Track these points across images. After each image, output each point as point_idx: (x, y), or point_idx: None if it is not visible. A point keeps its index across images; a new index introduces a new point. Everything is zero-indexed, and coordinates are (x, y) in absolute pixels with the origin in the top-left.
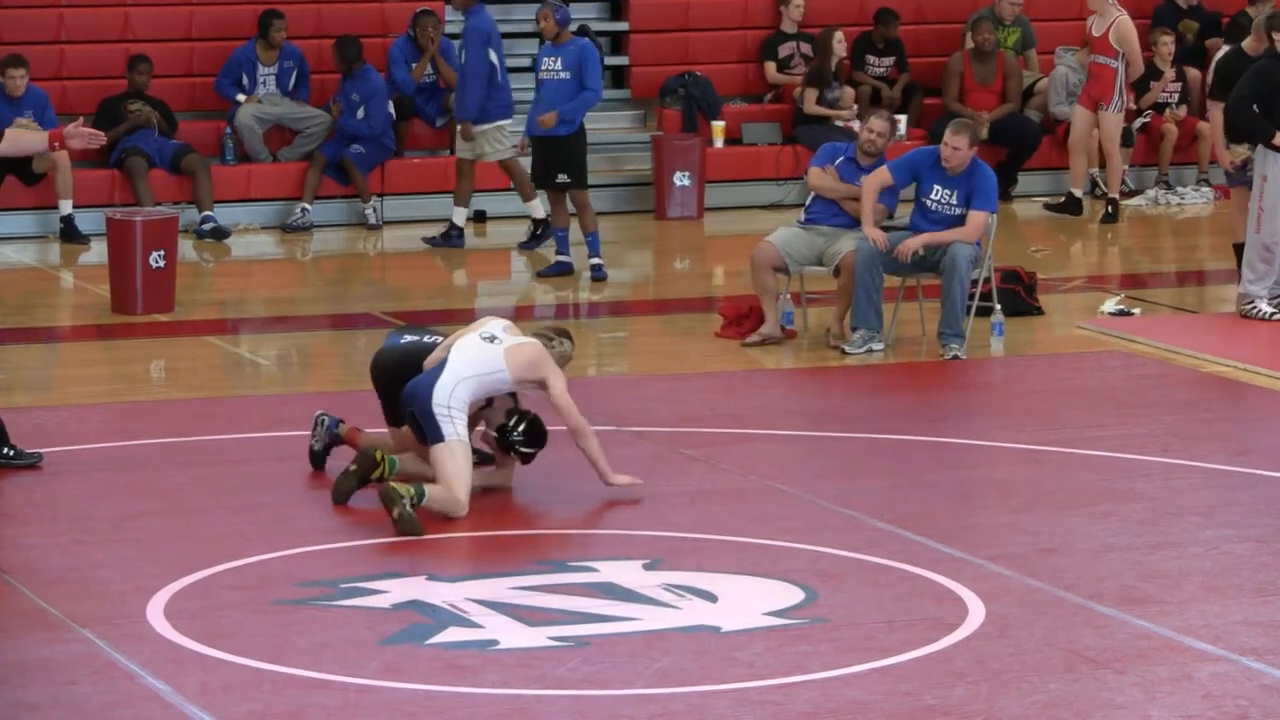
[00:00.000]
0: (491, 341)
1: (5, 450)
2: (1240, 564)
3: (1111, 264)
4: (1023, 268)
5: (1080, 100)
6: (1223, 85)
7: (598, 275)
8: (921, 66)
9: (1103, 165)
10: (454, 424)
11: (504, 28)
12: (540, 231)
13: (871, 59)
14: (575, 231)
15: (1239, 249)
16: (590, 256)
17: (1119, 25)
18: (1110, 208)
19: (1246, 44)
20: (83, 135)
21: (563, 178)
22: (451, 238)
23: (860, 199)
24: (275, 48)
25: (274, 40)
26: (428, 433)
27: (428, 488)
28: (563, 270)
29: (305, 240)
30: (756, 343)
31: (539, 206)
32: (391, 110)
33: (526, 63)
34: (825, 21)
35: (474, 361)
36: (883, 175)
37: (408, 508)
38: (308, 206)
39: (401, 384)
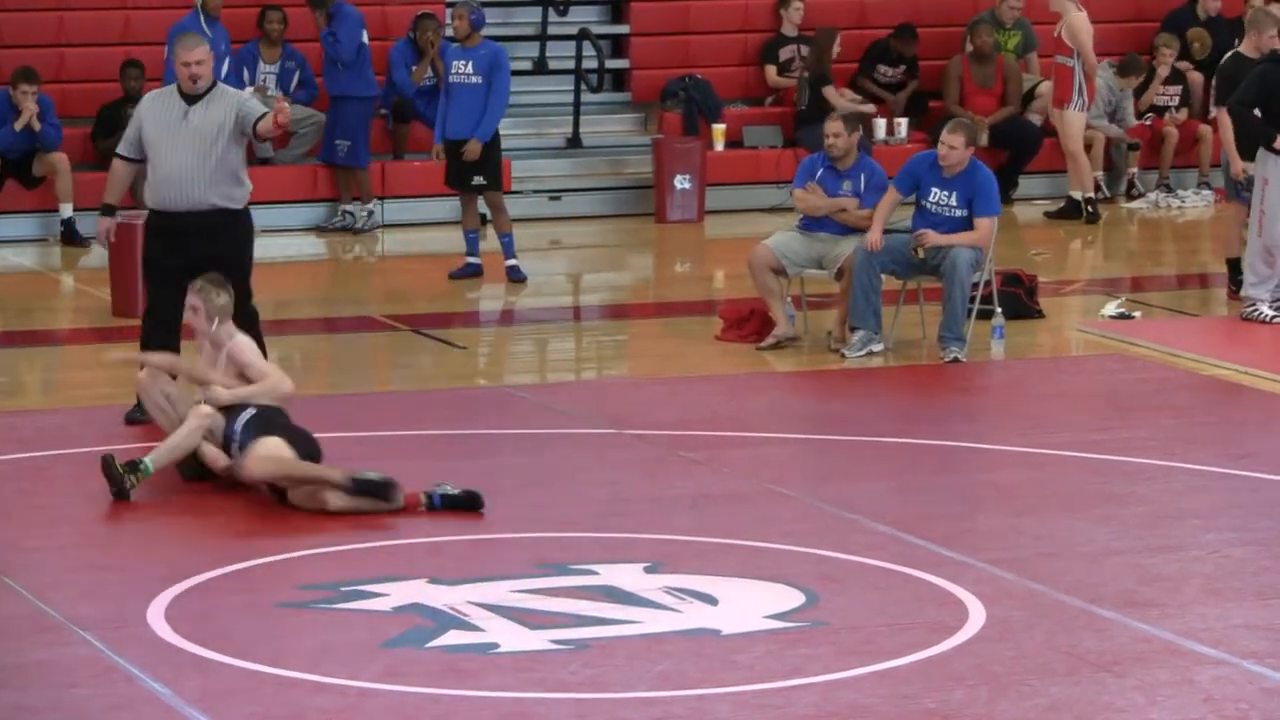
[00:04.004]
0: None
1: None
2: (1241, 567)
3: (1112, 267)
4: (1023, 271)
5: (1052, 104)
6: (1227, 90)
7: (515, 276)
8: (922, 70)
9: (1106, 168)
10: None
11: (504, 31)
12: None
13: (884, 69)
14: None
15: (1232, 264)
16: (506, 259)
17: (1070, 22)
18: (1090, 208)
19: (1243, 46)
20: (284, 110)
21: (479, 180)
22: None
23: (848, 210)
24: (275, 44)
25: (271, 34)
26: None
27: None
28: (472, 272)
29: (310, 245)
30: (772, 345)
31: None
32: (365, 39)
33: (528, 66)
34: (825, 24)
35: None
36: (891, 195)
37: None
38: (350, 210)
39: None
